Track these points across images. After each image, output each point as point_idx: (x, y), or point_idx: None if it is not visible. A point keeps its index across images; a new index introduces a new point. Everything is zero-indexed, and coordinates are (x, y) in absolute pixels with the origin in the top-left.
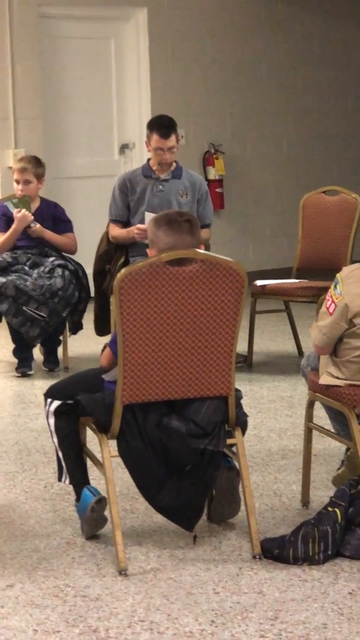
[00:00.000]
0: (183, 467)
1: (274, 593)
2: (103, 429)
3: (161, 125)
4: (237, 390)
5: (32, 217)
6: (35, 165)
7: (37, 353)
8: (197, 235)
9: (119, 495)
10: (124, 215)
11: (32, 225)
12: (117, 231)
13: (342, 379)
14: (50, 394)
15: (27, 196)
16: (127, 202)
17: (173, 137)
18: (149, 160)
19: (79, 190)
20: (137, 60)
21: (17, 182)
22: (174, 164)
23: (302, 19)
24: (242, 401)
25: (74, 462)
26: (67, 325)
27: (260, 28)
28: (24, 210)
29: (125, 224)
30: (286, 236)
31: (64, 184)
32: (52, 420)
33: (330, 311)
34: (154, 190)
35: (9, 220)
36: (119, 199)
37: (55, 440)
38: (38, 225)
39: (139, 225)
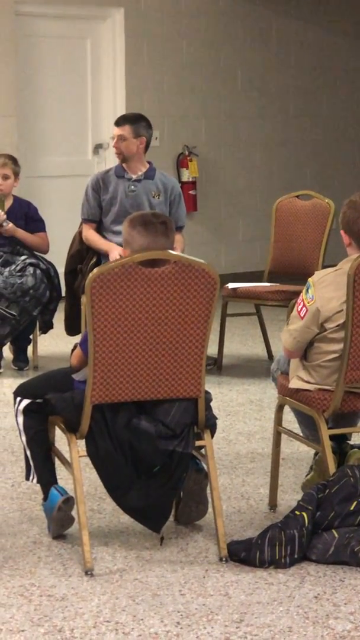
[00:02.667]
0: (151, 468)
1: (240, 596)
2: (72, 428)
3: (121, 116)
4: (207, 393)
5: (5, 216)
6: (14, 162)
7: (7, 352)
8: (172, 237)
9: (87, 495)
10: (97, 215)
11: (5, 224)
12: (91, 235)
13: (312, 383)
14: (19, 392)
15: (2, 195)
16: (100, 201)
17: (126, 127)
18: None
19: (52, 189)
20: (113, 61)
21: None
22: (147, 165)
23: (278, 23)
24: (212, 404)
25: (42, 461)
26: (38, 324)
27: (236, 31)
28: None
29: (98, 223)
30: (258, 240)
31: (38, 183)
32: (20, 419)
33: (302, 315)
34: (126, 191)
35: None
36: (92, 198)
37: (24, 439)
38: (11, 224)
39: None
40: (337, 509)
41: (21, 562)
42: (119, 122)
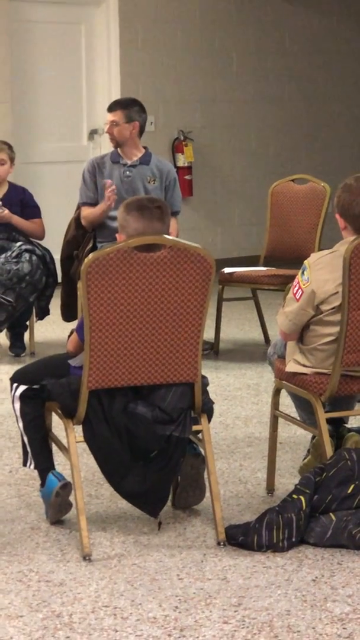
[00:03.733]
0: (149, 453)
1: (238, 580)
2: (69, 414)
3: (113, 102)
4: (204, 377)
5: (0, 203)
6: (9, 148)
7: (3, 338)
8: (167, 222)
9: (84, 481)
10: (95, 198)
11: (0, 210)
12: (88, 212)
13: (308, 366)
14: (16, 378)
15: None
16: (97, 184)
17: (118, 113)
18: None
19: (47, 175)
20: (107, 46)
21: None
22: (143, 150)
23: (272, 7)
24: (209, 388)
25: (39, 447)
26: (34, 310)
27: (231, 15)
28: None
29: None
30: (254, 224)
31: (33, 169)
32: (17, 405)
33: (297, 297)
34: (121, 176)
35: None
36: (90, 181)
37: (21, 425)
38: (6, 211)
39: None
40: (335, 492)
41: (19, 547)
42: (111, 108)
